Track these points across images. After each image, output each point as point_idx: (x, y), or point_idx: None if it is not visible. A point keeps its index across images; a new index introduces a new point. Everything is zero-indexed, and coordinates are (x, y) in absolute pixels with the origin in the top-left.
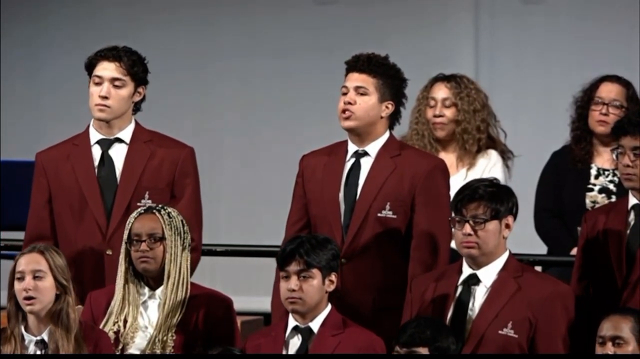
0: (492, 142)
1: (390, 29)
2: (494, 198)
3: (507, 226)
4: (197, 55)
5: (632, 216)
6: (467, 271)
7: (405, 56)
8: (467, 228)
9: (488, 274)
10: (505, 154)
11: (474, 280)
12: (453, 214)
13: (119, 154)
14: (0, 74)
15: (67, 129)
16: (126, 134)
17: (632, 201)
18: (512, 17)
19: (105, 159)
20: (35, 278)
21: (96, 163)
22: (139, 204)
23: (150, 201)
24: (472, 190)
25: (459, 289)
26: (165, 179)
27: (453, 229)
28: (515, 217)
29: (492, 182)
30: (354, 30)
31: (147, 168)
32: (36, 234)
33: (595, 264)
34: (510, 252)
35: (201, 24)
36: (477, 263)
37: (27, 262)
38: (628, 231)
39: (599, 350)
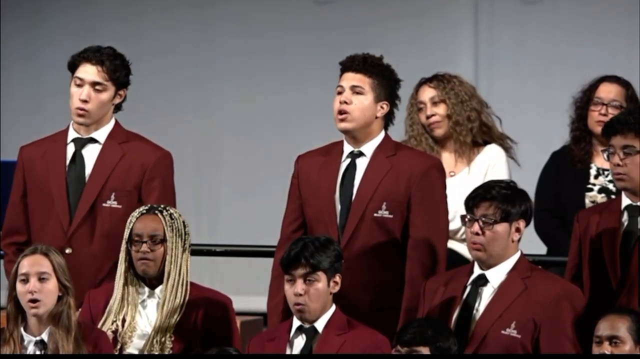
0: (488, 129)
1: (390, 28)
2: (506, 200)
3: (518, 230)
4: (197, 55)
5: (625, 217)
6: (477, 271)
7: (405, 56)
8: (476, 227)
9: (497, 275)
10: (504, 142)
11: (482, 281)
12: (465, 212)
13: (91, 153)
14: (0, 74)
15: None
16: (102, 134)
17: (625, 201)
18: (512, 17)
19: (77, 158)
20: (40, 279)
21: (68, 161)
22: (104, 204)
23: (115, 203)
24: (485, 190)
25: (467, 289)
26: (133, 182)
27: (464, 228)
28: (528, 222)
29: (508, 185)
30: (353, 30)
31: (116, 169)
32: (11, 228)
33: (589, 264)
34: (522, 253)
35: (201, 24)
36: (485, 264)
37: (31, 264)
38: (621, 231)
39: (595, 350)
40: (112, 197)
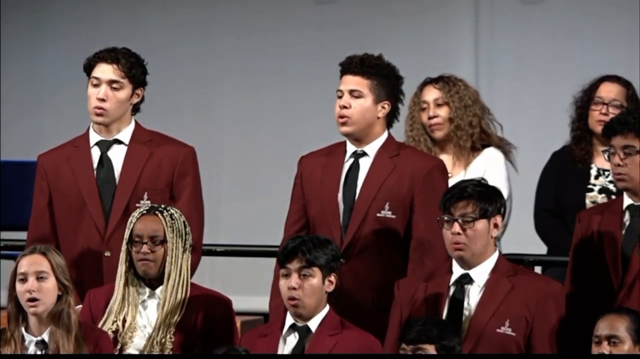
0: (487, 137)
1: (390, 28)
2: (482, 197)
3: (496, 226)
4: (197, 55)
5: (627, 217)
6: (458, 271)
7: (405, 56)
8: (456, 227)
9: (480, 274)
10: (503, 148)
11: (466, 279)
12: (442, 214)
13: (118, 155)
14: (0, 74)
15: (67, 129)
16: (125, 135)
17: (627, 201)
18: (512, 17)
19: (104, 160)
20: (38, 279)
21: (95, 165)
22: (137, 204)
23: (149, 202)
24: (460, 189)
25: (452, 289)
26: (164, 180)
27: (442, 229)
28: (503, 218)
29: (480, 182)
30: (354, 30)
31: (145, 169)
32: (38, 236)
33: (590, 264)
34: (500, 252)
35: (201, 24)
36: (467, 264)
37: (30, 263)
38: (623, 232)
39: (595, 349)
40: (145, 196)
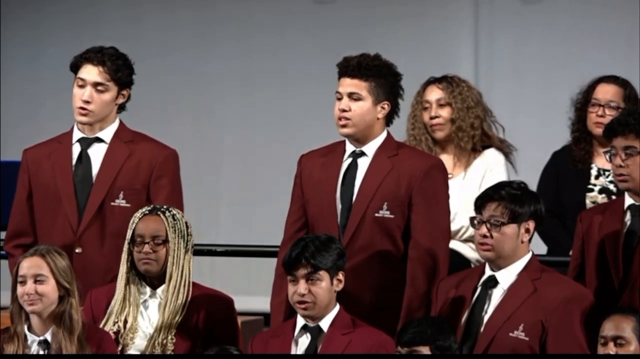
0: (488, 138)
1: (390, 28)
2: (514, 200)
3: (528, 231)
4: (196, 56)
5: (628, 216)
6: (487, 272)
7: (405, 56)
8: (483, 229)
9: (507, 276)
10: (503, 149)
11: (492, 282)
12: (474, 213)
13: (98, 153)
14: (1, 75)
15: (67, 129)
16: (107, 133)
17: (628, 201)
18: (512, 17)
19: (83, 157)
20: (36, 281)
21: (74, 161)
22: (112, 204)
23: (124, 201)
24: (494, 190)
25: (478, 290)
26: (141, 180)
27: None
28: (538, 223)
29: (519, 186)
30: (353, 30)
31: (123, 168)
32: (17, 229)
33: (591, 264)
34: (533, 253)
35: (201, 24)
36: (495, 265)
37: (29, 266)
38: (624, 231)
39: (600, 350)
40: (121, 196)
